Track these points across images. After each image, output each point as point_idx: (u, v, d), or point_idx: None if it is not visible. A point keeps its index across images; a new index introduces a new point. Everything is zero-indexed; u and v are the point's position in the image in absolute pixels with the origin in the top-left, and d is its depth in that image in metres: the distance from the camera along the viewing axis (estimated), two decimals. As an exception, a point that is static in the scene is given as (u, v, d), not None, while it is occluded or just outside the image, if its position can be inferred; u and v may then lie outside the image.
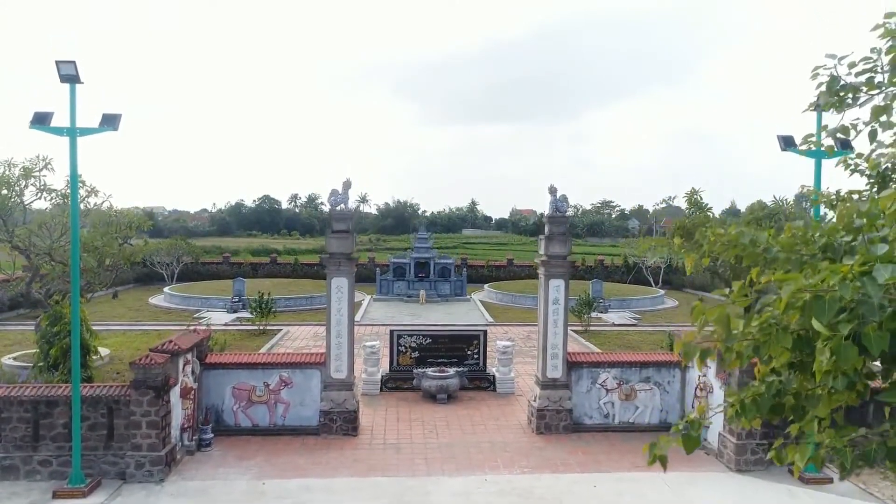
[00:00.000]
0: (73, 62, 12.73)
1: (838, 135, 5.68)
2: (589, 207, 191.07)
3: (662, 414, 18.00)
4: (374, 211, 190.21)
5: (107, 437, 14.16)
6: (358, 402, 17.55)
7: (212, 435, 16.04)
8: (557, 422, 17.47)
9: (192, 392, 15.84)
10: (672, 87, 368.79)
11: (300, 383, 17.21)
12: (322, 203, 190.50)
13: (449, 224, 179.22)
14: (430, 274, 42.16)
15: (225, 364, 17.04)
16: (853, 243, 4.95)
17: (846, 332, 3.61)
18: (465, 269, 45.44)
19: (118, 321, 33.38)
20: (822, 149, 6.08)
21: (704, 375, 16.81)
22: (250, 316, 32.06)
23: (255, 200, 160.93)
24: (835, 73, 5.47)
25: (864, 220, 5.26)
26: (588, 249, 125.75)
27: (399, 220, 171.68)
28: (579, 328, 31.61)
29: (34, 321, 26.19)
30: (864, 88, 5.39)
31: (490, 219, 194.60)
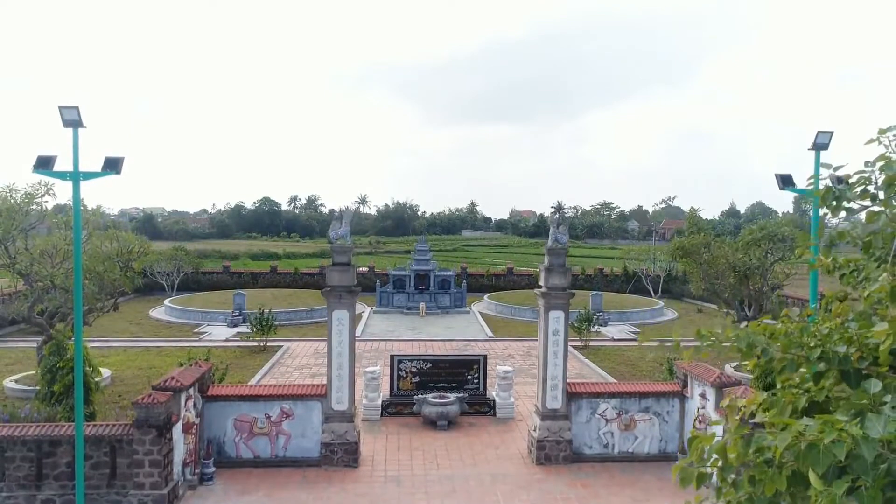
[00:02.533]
0: (76, 108, 12.81)
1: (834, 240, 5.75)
2: (588, 208, 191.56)
3: (661, 444, 18.10)
4: (373, 212, 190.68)
5: (109, 476, 14.26)
6: (359, 432, 17.63)
7: (213, 469, 16.12)
8: (557, 452, 17.57)
9: (195, 427, 15.93)
10: (673, 88, 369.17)
11: (301, 415, 17.30)
12: (322, 204, 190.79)
13: (449, 225, 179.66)
14: (430, 286, 42.27)
15: (227, 396, 17.13)
16: (848, 351, 5.08)
17: (841, 491, 3.70)
18: (465, 281, 45.53)
19: (119, 337, 33.43)
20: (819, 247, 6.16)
21: (703, 408, 16.91)
22: (250, 331, 32.06)
23: (254, 202, 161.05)
24: (829, 184, 5.55)
25: (858, 324, 5.39)
26: (587, 252, 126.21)
27: (398, 221, 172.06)
28: (579, 344, 31.69)
29: (36, 338, 26.24)
30: (859, 200, 5.47)
31: (490, 220, 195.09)
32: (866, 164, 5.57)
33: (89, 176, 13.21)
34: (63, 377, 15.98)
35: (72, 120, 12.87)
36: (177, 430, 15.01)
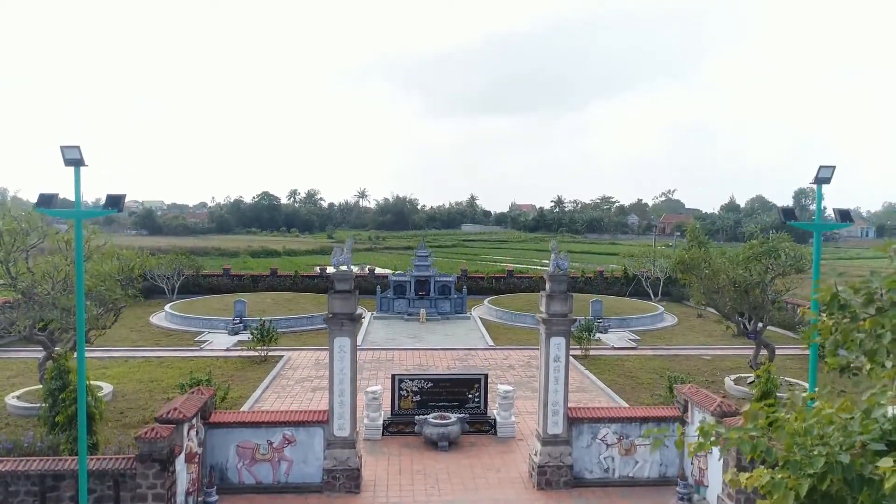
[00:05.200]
0: (78, 147, 12.78)
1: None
2: (588, 202, 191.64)
3: (662, 468, 18.20)
4: (372, 206, 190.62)
5: (113, 509, 14.33)
6: (360, 457, 17.70)
7: (216, 497, 16.20)
8: (558, 477, 17.66)
9: (197, 456, 15.99)
10: (674, 82, 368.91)
11: (303, 441, 17.37)
12: (321, 198, 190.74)
13: (448, 220, 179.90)
14: (431, 292, 42.31)
15: (229, 423, 17.18)
16: (852, 461, 5.15)
17: None
18: (465, 287, 45.53)
19: (119, 346, 33.37)
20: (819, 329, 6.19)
21: (703, 435, 16.96)
22: (251, 340, 31.93)
23: (254, 197, 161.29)
24: (835, 290, 5.56)
25: (861, 427, 5.46)
26: (587, 248, 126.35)
27: (398, 215, 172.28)
28: (579, 353, 31.72)
29: (37, 348, 26.16)
30: (863, 309, 5.48)
31: (490, 213, 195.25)
32: (872, 273, 5.60)
33: (91, 214, 13.21)
34: (66, 408, 16.03)
35: (73, 159, 12.84)
36: (180, 462, 15.07)
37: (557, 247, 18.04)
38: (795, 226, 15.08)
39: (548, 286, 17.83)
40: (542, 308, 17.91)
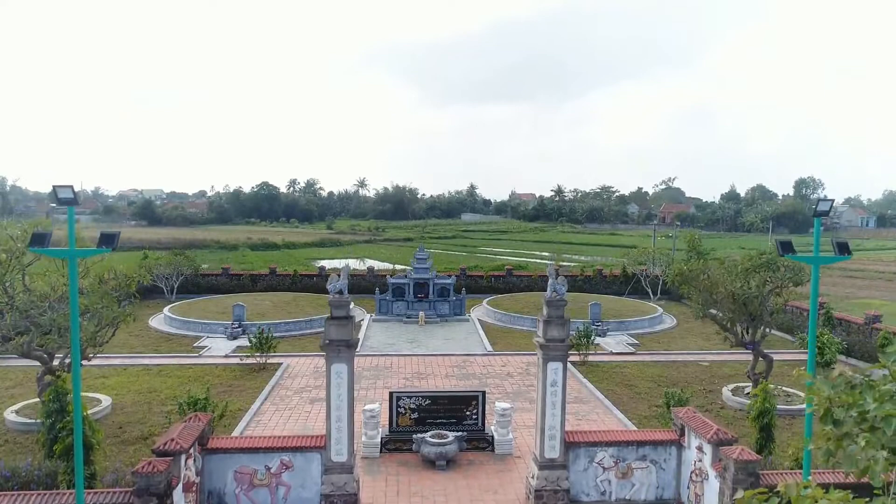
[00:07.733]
0: (71, 186, 12.69)
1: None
2: (588, 191, 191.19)
3: (658, 491, 18.26)
4: (371, 195, 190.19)
5: (111, 543, 14.37)
6: (358, 482, 17.75)
7: (214, 525, 16.28)
8: (555, 501, 17.71)
9: (195, 485, 16.04)
10: (676, 71, 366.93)
11: (301, 466, 17.41)
12: (321, 188, 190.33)
13: (448, 209, 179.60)
14: (430, 294, 42.30)
15: (227, 449, 17.22)
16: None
17: None
18: (464, 289, 45.44)
19: (118, 352, 33.27)
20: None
21: (700, 461, 17.02)
22: (250, 345, 31.94)
23: (253, 187, 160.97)
24: (829, 405, 5.50)
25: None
26: (587, 238, 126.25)
27: (398, 205, 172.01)
28: (577, 359, 31.77)
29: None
30: (856, 424, 5.43)
31: (489, 202, 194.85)
32: (866, 388, 5.55)
33: (85, 253, 13.14)
34: (64, 438, 16.06)
35: (66, 198, 12.75)
36: (177, 493, 15.09)
37: (555, 271, 17.98)
38: (794, 259, 15.01)
39: (545, 311, 17.79)
40: (540, 333, 17.88)
